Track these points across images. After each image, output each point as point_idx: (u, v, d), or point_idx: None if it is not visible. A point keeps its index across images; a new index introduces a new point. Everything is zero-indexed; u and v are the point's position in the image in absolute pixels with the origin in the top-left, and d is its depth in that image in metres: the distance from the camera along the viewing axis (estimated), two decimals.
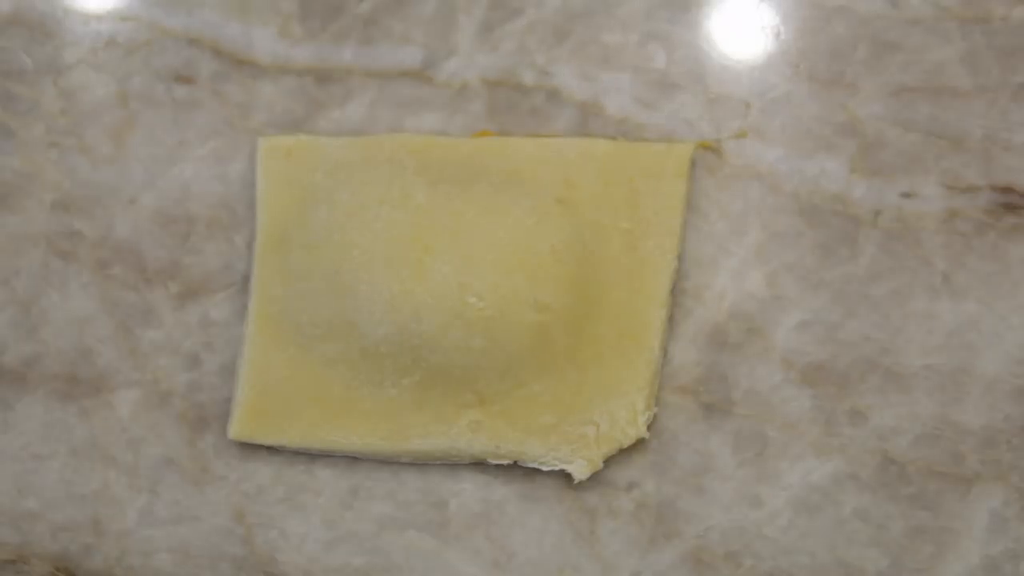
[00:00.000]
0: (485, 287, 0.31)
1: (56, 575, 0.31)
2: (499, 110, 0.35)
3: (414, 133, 0.35)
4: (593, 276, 0.32)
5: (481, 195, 0.32)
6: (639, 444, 0.32)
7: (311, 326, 0.32)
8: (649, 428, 0.32)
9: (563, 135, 0.35)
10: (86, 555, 0.31)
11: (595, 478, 0.32)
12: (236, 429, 0.32)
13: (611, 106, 0.35)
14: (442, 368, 0.31)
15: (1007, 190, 0.33)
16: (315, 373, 0.32)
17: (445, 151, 0.34)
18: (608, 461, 0.32)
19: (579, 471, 0.31)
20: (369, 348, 0.31)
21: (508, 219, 0.32)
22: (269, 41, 0.36)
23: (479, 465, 0.32)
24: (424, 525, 0.32)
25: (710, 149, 0.34)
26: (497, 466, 0.32)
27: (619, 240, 0.33)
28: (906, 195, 0.33)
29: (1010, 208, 0.33)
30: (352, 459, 0.32)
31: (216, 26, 0.36)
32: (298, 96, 0.35)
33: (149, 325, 0.33)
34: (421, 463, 0.32)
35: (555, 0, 0.35)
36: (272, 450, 0.32)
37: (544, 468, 0.31)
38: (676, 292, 0.33)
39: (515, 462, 0.32)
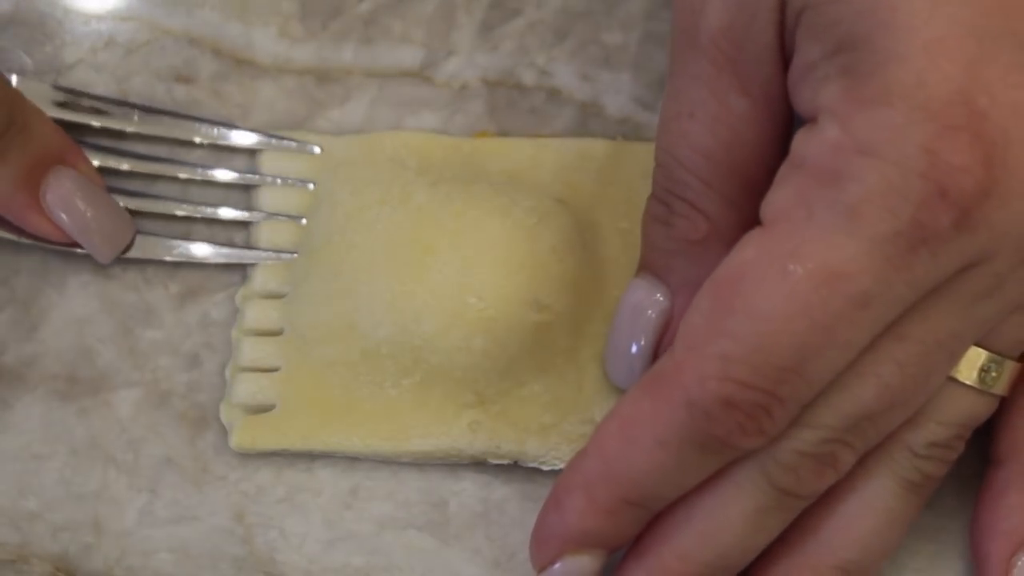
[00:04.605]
0: (485, 287, 0.31)
1: (56, 575, 0.31)
2: (499, 110, 0.35)
3: (414, 132, 0.35)
4: (593, 276, 0.32)
5: (481, 195, 0.32)
6: None
7: (310, 328, 0.32)
8: None
9: (563, 135, 0.35)
10: (86, 555, 0.31)
11: None
12: (238, 438, 0.32)
13: (611, 106, 0.35)
14: (442, 368, 0.31)
15: None
16: (315, 375, 0.32)
17: (446, 151, 0.34)
18: None
19: None
20: (369, 349, 0.31)
21: (508, 219, 0.32)
22: (269, 41, 0.36)
23: (479, 465, 0.32)
24: (424, 525, 0.32)
25: None
26: (497, 466, 0.32)
27: (618, 240, 0.33)
28: None
29: None
30: (352, 459, 0.32)
31: (216, 26, 0.36)
32: (298, 96, 0.35)
33: (149, 325, 0.33)
34: (421, 463, 0.32)
35: (555, 0, 0.35)
36: (272, 451, 0.32)
37: (544, 468, 0.31)
38: None
39: (515, 462, 0.32)
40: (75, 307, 0.33)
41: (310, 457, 0.32)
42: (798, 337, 0.24)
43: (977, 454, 0.31)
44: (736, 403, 0.24)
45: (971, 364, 0.27)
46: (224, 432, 0.32)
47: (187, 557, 0.31)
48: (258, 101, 0.35)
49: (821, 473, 0.26)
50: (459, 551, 0.32)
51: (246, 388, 0.32)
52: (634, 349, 0.29)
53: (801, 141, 0.25)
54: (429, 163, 0.34)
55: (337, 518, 0.32)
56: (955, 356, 0.26)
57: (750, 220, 0.26)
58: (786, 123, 0.27)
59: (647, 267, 0.29)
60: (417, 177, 0.33)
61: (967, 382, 0.27)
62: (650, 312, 0.29)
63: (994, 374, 0.27)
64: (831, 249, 0.23)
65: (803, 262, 0.24)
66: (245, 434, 0.32)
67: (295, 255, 0.33)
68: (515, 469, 0.32)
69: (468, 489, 0.32)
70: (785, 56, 0.26)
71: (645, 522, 0.27)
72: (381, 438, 0.31)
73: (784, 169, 0.25)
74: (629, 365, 0.30)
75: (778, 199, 0.25)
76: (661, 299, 0.29)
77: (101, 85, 0.35)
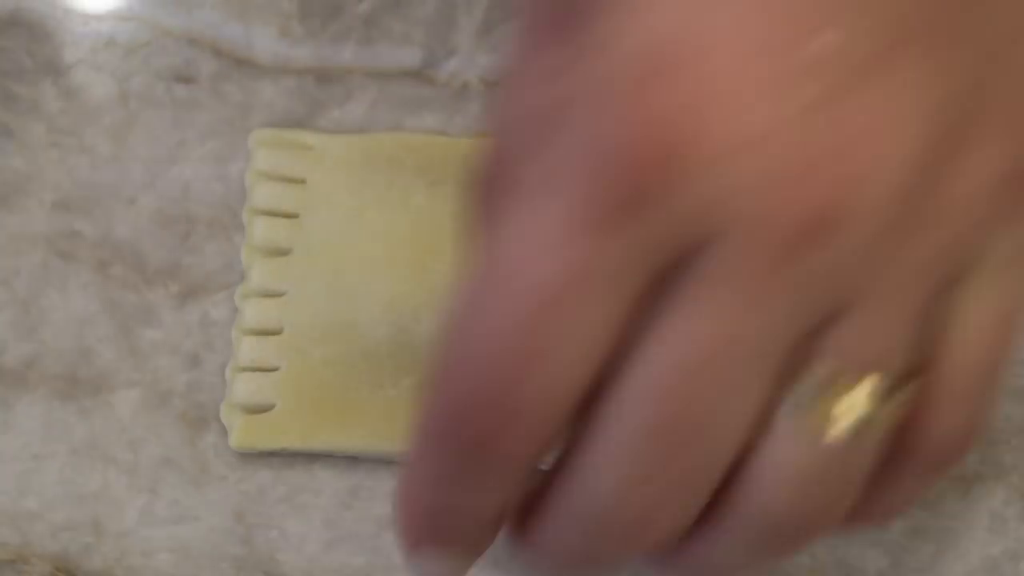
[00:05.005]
0: None
1: (56, 575, 0.31)
2: None
3: (414, 132, 0.35)
4: None
5: None
6: None
7: (310, 328, 0.32)
8: None
9: None
10: (86, 555, 0.31)
11: None
12: (238, 438, 0.32)
13: None
14: None
15: None
16: (314, 375, 0.32)
17: (445, 151, 0.34)
18: None
19: None
20: (369, 349, 0.31)
21: None
22: (269, 41, 0.36)
23: None
24: None
25: None
26: None
27: None
28: None
29: None
30: (352, 459, 0.32)
31: (216, 26, 0.36)
32: (298, 96, 0.35)
33: (149, 325, 0.33)
34: None
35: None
36: (272, 451, 0.32)
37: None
38: None
39: None
40: (75, 307, 0.33)
41: (310, 457, 0.32)
42: (504, 345, 0.20)
43: (978, 457, 0.31)
44: (454, 438, 0.21)
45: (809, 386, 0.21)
46: (224, 432, 0.32)
47: (187, 557, 0.31)
48: (258, 101, 0.35)
49: (638, 527, 0.22)
50: None
51: (246, 388, 0.32)
52: None
53: None
54: (428, 163, 0.34)
55: (337, 518, 0.32)
56: (746, 361, 0.20)
57: None
58: None
59: None
60: (416, 177, 0.33)
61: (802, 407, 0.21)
62: None
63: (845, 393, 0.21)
64: (523, 235, 0.20)
65: (498, 259, 0.20)
66: (245, 434, 0.32)
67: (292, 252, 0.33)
68: None
69: None
70: None
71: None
72: (381, 438, 0.31)
73: None
74: None
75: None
76: None
77: (101, 85, 0.35)
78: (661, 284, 0.20)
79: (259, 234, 0.33)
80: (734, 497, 0.22)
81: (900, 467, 0.23)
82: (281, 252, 0.33)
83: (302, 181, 0.34)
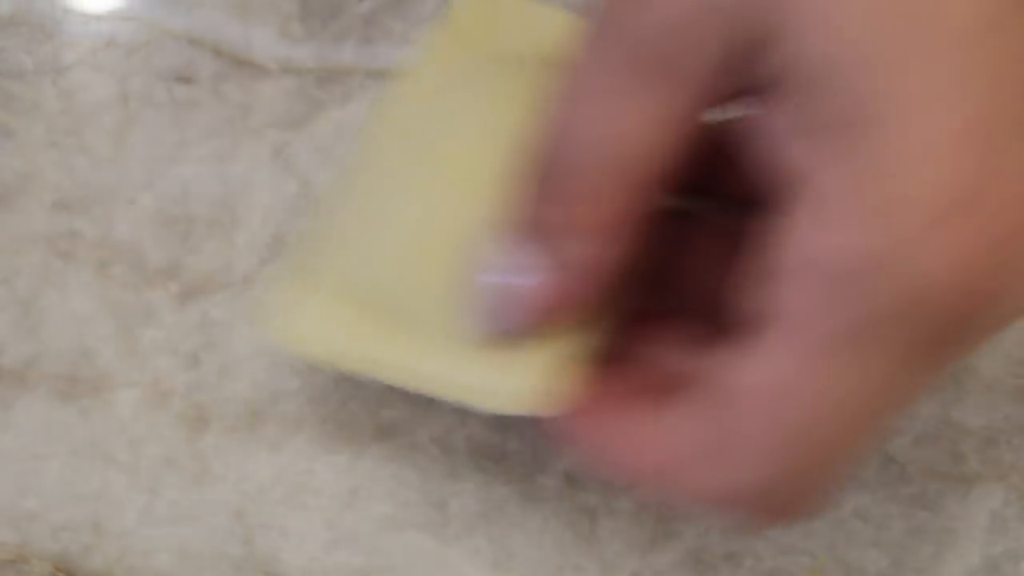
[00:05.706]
0: None
1: (56, 575, 0.31)
2: None
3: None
4: None
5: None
6: None
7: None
8: None
9: None
10: (86, 555, 0.31)
11: (595, 478, 0.32)
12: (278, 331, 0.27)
13: None
14: None
15: None
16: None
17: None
18: None
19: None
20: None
21: None
22: (269, 41, 0.36)
23: (479, 465, 0.32)
24: (424, 525, 0.32)
25: None
26: (497, 466, 0.32)
27: None
28: None
29: None
30: (352, 459, 0.32)
31: (216, 26, 0.36)
32: (298, 96, 0.35)
33: (149, 325, 0.33)
34: (421, 464, 0.32)
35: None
36: (273, 450, 0.32)
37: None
38: None
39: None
40: (75, 307, 0.33)
41: (310, 457, 0.32)
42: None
43: (979, 457, 0.31)
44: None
45: None
46: (224, 432, 0.32)
47: (187, 557, 0.31)
48: (258, 101, 0.35)
49: None
50: (459, 551, 0.32)
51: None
52: None
53: (808, 233, 0.23)
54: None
55: (337, 518, 0.32)
56: None
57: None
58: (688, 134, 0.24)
59: None
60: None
61: None
62: None
63: None
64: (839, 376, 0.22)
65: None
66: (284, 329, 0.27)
67: None
68: (515, 469, 0.32)
69: (468, 489, 0.32)
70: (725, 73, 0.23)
71: None
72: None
73: (791, 261, 0.23)
74: None
75: (789, 302, 0.23)
76: None
77: (101, 85, 0.35)
78: None
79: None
80: None
81: None
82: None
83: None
